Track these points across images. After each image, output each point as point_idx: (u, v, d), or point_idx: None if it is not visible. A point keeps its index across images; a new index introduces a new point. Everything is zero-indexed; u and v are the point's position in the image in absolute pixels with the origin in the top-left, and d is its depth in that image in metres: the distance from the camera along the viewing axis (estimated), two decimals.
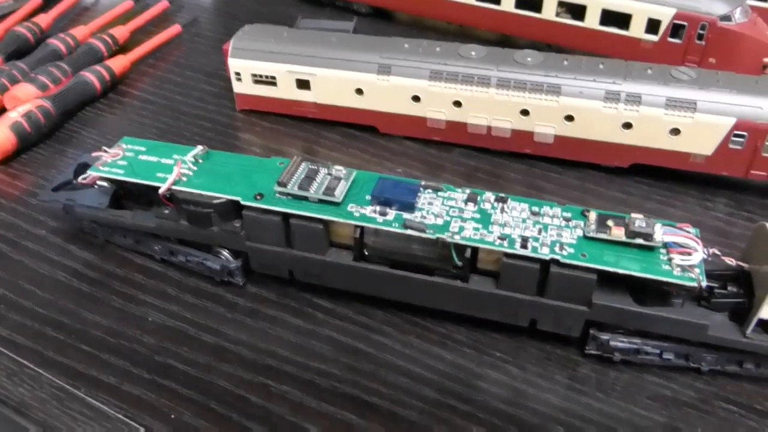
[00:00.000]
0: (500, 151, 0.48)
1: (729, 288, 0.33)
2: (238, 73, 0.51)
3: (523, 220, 0.35)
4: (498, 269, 0.34)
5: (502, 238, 0.34)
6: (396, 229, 0.34)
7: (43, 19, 0.62)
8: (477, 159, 0.48)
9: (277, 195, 0.36)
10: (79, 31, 0.59)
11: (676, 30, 0.51)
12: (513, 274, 0.34)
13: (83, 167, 0.40)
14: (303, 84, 0.50)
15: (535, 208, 0.35)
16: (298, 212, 0.35)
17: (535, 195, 0.45)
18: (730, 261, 0.34)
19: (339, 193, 0.35)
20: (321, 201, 0.35)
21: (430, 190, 0.36)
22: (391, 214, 0.35)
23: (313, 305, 0.38)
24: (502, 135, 0.47)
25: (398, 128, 0.50)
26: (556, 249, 0.33)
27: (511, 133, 0.47)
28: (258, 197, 0.36)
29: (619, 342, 0.34)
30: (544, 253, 0.33)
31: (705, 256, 0.33)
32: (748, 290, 0.33)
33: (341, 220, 0.35)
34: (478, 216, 0.35)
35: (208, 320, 0.38)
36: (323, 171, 0.37)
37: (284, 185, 0.36)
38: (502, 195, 0.36)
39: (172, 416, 0.33)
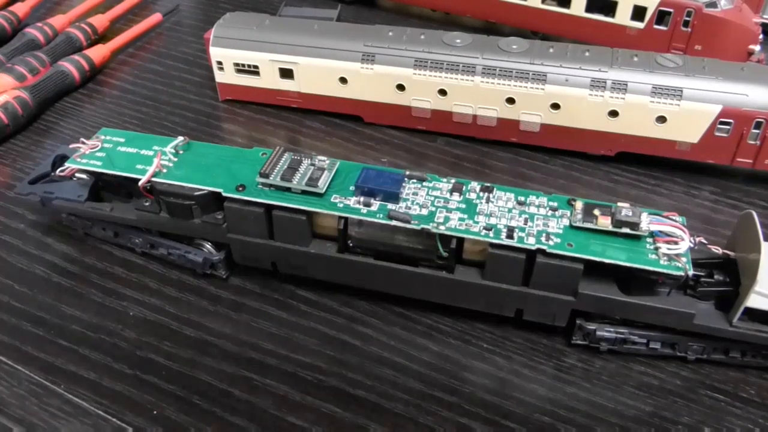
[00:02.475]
0: (486, 140, 0.48)
1: (715, 276, 0.33)
2: (219, 63, 0.50)
3: (509, 210, 0.34)
4: (484, 260, 0.34)
5: (488, 228, 0.33)
6: (380, 219, 0.34)
7: (20, 8, 0.60)
8: (462, 148, 0.48)
9: (260, 186, 0.35)
10: (57, 20, 0.58)
11: (661, 17, 0.51)
12: (499, 265, 0.33)
13: (61, 159, 0.40)
14: (286, 73, 0.49)
15: (521, 198, 0.35)
16: (281, 203, 0.35)
17: (521, 184, 0.45)
18: (717, 249, 0.34)
19: (322, 183, 0.35)
20: (304, 192, 0.35)
21: (414, 180, 0.36)
22: (376, 204, 0.35)
23: (296, 297, 0.38)
24: (488, 124, 0.47)
25: (383, 117, 0.49)
26: (543, 239, 0.33)
27: (496, 122, 0.47)
28: (240, 188, 0.35)
29: (606, 332, 0.34)
30: (530, 243, 0.32)
31: (691, 245, 0.32)
32: (735, 279, 0.33)
33: (324, 211, 0.34)
34: (463, 206, 0.35)
35: (191, 314, 0.37)
36: (306, 161, 0.36)
37: (266, 176, 0.35)
38: (488, 184, 0.36)
39: (155, 412, 0.33)
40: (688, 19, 0.50)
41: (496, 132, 0.47)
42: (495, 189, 0.36)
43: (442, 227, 0.33)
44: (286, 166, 0.36)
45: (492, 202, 0.35)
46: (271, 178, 0.35)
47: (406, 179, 0.36)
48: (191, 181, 0.36)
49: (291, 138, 0.49)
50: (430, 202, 0.35)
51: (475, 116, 0.47)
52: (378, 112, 0.49)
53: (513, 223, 0.34)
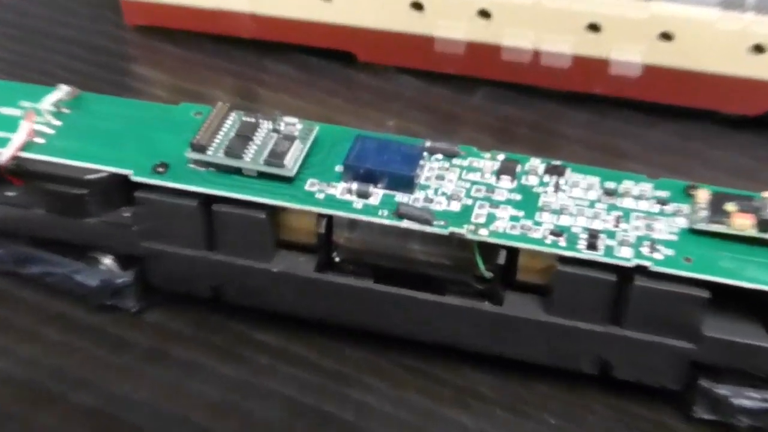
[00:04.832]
0: (554, 92, 0.48)
1: None
2: None
3: (591, 204, 0.35)
4: (549, 283, 0.34)
5: (557, 233, 0.33)
6: (384, 219, 0.34)
7: None
8: (516, 104, 0.48)
9: (191, 166, 0.36)
10: None
11: None
12: (574, 292, 0.34)
13: None
14: None
15: (611, 184, 0.35)
16: (226, 193, 0.35)
17: (611, 162, 0.45)
18: None
19: (291, 161, 0.35)
20: (263, 175, 0.35)
21: (439, 156, 0.36)
22: (377, 195, 0.35)
23: (251, 343, 0.38)
24: (558, 65, 0.47)
25: (388, 55, 0.50)
26: (644, 250, 0.33)
27: (571, 62, 0.47)
28: (160, 169, 0.36)
29: (747, 399, 0.34)
30: (625, 257, 0.33)
31: None
32: None
33: (295, 205, 0.35)
34: (517, 197, 0.35)
35: (82, 369, 0.37)
36: (266, 125, 0.37)
37: (202, 149, 0.35)
38: (558, 163, 0.36)
39: None
40: None
41: (571, 79, 0.48)
42: (568, 170, 0.36)
43: (482, 231, 0.34)
44: (233, 134, 0.36)
45: (563, 190, 0.35)
46: (209, 152, 0.35)
47: (425, 154, 0.36)
48: (83, 159, 0.36)
49: (242, 89, 0.50)
50: (465, 192, 0.35)
51: (536, 53, 0.47)
52: (381, 47, 0.49)
53: (597, 225, 0.34)
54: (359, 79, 0.50)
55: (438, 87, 0.49)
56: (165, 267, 0.38)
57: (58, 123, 0.38)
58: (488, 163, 0.36)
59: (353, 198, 0.35)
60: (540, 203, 0.35)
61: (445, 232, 0.34)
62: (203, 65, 0.51)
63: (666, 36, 0.45)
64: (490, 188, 0.35)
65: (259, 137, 0.36)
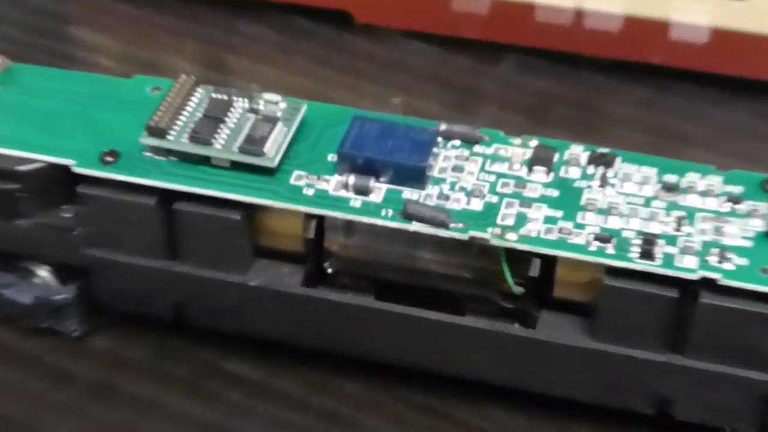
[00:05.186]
0: (600, 62, 0.49)
1: None
2: None
3: (646, 202, 0.35)
4: (594, 301, 0.34)
5: (604, 238, 0.34)
6: (389, 221, 0.34)
7: None
8: (553, 77, 0.49)
9: (148, 154, 0.36)
10: None
11: None
12: (625, 311, 0.34)
13: None
14: None
15: (671, 177, 0.35)
16: (191, 188, 0.35)
17: (670, 149, 0.45)
18: None
19: (272, 148, 0.35)
20: (237, 165, 0.36)
21: (457, 142, 0.36)
22: (379, 190, 0.35)
23: (223, 376, 0.39)
24: (605, 28, 0.48)
25: (392, 15, 0.50)
26: (712, 259, 0.33)
27: (622, 24, 0.47)
28: (108, 158, 0.36)
29: None
30: (688, 268, 0.33)
31: None
32: None
33: (278, 203, 0.35)
34: (554, 193, 0.35)
35: (13, 407, 0.37)
36: (240, 104, 0.37)
37: (161, 133, 0.36)
38: (604, 150, 0.36)
39: None
40: None
41: (622, 46, 0.48)
42: (618, 159, 0.36)
43: (511, 236, 0.34)
44: (200, 115, 0.36)
45: (612, 185, 0.35)
46: (170, 137, 0.36)
47: (439, 140, 0.36)
48: (13, 146, 0.37)
49: (209, 57, 0.50)
50: (489, 187, 0.35)
51: (578, 13, 0.47)
52: (383, 5, 0.50)
53: (653, 229, 0.34)
54: (357, 45, 0.50)
55: (456, 55, 0.50)
56: (115, 281, 0.38)
57: None
58: (518, 150, 0.36)
59: (350, 194, 0.35)
60: (583, 201, 0.35)
61: (464, 236, 0.34)
62: (161, 27, 0.51)
63: None
64: (521, 182, 0.35)
65: (232, 119, 0.36)
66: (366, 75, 0.49)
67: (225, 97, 0.37)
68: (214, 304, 0.37)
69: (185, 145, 0.35)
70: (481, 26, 0.49)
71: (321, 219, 0.35)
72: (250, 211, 0.36)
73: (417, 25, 0.50)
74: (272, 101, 0.37)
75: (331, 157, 0.36)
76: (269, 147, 0.35)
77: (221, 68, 0.50)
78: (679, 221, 0.34)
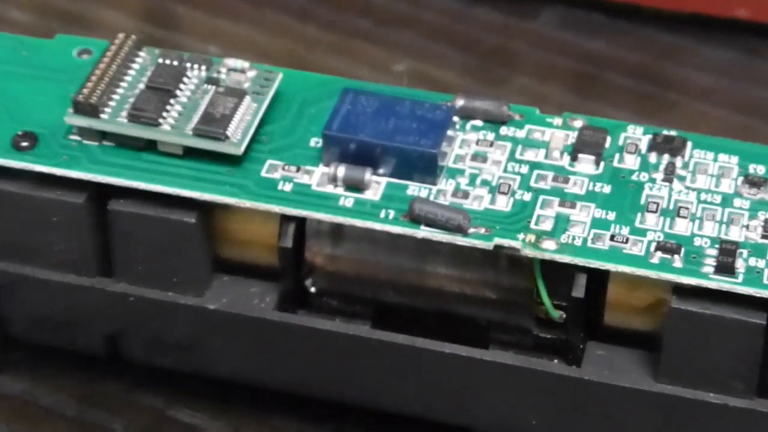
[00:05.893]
0: (669, 15, 0.49)
1: None
2: None
3: (725, 200, 0.35)
4: (658, 329, 0.35)
5: (669, 248, 0.34)
6: (390, 224, 0.35)
7: None
8: (604, 36, 0.49)
9: (75, 137, 0.37)
10: None
11: None
12: (697, 343, 0.34)
13: None
14: None
15: (758, 167, 0.36)
16: (131, 183, 0.36)
17: (759, 132, 0.46)
18: None
19: (238, 130, 0.36)
20: (192, 152, 0.36)
21: (478, 122, 0.37)
22: (378, 185, 0.36)
23: (172, 427, 0.39)
24: None
25: None
26: None
27: None
28: (23, 143, 0.36)
29: None
30: None
31: None
32: None
33: (245, 202, 0.35)
34: (605, 189, 0.36)
35: None
36: (196, 72, 0.37)
37: (93, 111, 0.36)
38: (671, 133, 0.37)
39: None
40: None
41: None
42: (689, 144, 0.37)
43: (548, 244, 0.34)
44: (143, 87, 0.37)
45: (681, 178, 0.36)
46: (104, 116, 0.36)
47: (456, 119, 0.37)
48: None
49: (154, 8, 0.51)
50: (520, 180, 0.36)
51: None
52: None
53: (734, 235, 0.34)
54: None
55: (479, 7, 0.50)
56: (32, 304, 0.38)
57: None
58: (558, 133, 0.37)
59: (339, 190, 0.35)
60: (642, 199, 0.35)
61: (488, 245, 0.34)
62: None
63: None
64: (562, 174, 0.36)
65: (185, 92, 0.37)
66: (360, 33, 0.50)
67: (175, 63, 0.37)
68: (160, 334, 0.38)
69: (124, 126, 0.36)
70: None
71: (301, 222, 0.36)
72: (208, 212, 0.36)
73: None
74: (237, 69, 0.37)
75: (315, 142, 0.36)
76: (233, 128, 0.36)
77: (170, 24, 0.50)
78: (767, 226, 0.35)
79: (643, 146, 0.37)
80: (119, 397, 0.40)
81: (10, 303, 0.39)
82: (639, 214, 0.35)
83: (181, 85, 0.37)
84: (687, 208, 0.35)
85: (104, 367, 0.40)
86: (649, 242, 0.34)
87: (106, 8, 0.51)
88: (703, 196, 0.36)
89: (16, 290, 0.38)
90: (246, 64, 0.38)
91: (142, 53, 0.38)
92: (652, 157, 0.37)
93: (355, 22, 0.51)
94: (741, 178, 0.36)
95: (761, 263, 0.34)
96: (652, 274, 0.34)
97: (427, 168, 0.36)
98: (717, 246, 0.34)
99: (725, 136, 0.37)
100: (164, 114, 0.36)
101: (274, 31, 0.50)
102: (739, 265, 0.34)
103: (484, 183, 0.36)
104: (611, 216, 0.35)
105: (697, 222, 0.35)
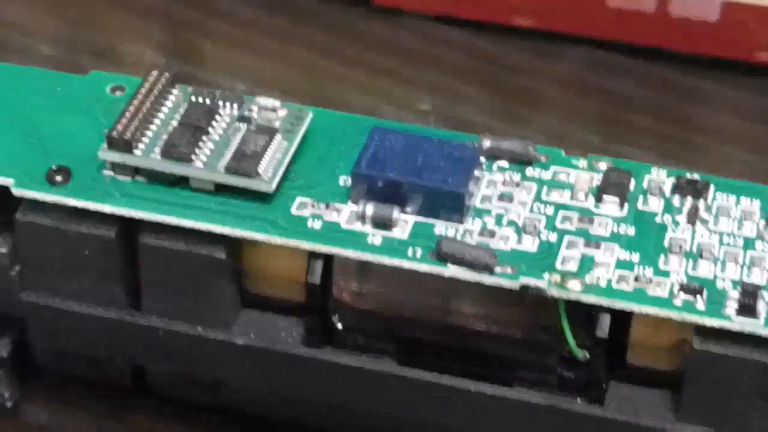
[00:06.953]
0: (693, 58, 0.49)
1: None
2: None
3: (748, 244, 0.36)
4: (681, 369, 0.35)
5: (692, 289, 0.34)
6: (417, 262, 0.35)
7: None
8: (630, 78, 0.49)
9: (107, 172, 0.37)
10: None
11: None
12: (721, 384, 0.34)
13: None
14: None
15: None
16: (162, 217, 0.36)
17: None
18: None
19: (269, 168, 0.36)
20: (223, 188, 0.36)
21: (504, 163, 0.37)
22: (405, 223, 0.36)
23: None
24: (698, 16, 0.48)
25: None
26: None
27: (719, 13, 0.48)
28: (57, 177, 0.37)
29: None
30: None
31: None
32: None
33: (274, 238, 0.36)
34: (629, 231, 0.36)
35: None
36: (228, 110, 0.38)
37: (126, 146, 0.36)
38: (695, 176, 0.37)
39: None
40: None
41: (718, 39, 0.49)
42: (713, 187, 0.37)
43: (573, 284, 0.34)
44: (176, 124, 0.37)
45: (704, 221, 0.36)
46: (137, 152, 0.36)
47: (482, 160, 0.37)
48: None
49: (183, 46, 0.51)
50: (546, 221, 0.36)
51: None
52: None
53: (757, 278, 0.35)
54: (374, 30, 0.51)
55: (504, 48, 0.50)
56: (60, 335, 0.38)
57: None
58: (584, 174, 0.37)
59: (367, 228, 0.36)
60: (666, 241, 0.36)
61: (513, 284, 0.34)
62: (123, 6, 0.52)
63: None
64: (587, 216, 0.36)
65: (217, 129, 0.37)
66: (386, 71, 0.50)
67: (208, 101, 0.38)
68: (186, 367, 0.38)
69: (156, 161, 0.36)
70: (538, 11, 0.50)
71: (329, 259, 0.36)
72: (238, 247, 0.36)
73: (453, 7, 0.51)
74: (268, 107, 0.37)
75: (344, 180, 0.37)
76: (265, 166, 0.36)
77: (196, 59, 0.50)
78: None
79: (667, 189, 0.37)
80: (144, 428, 0.40)
81: (39, 334, 0.39)
82: (662, 256, 0.35)
83: (213, 123, 0.37)
84: (710, 251, 0.35)
85: (130, 399, 0.40)
86: (673, 284, 0.35)
87: (133, 43, 0.51)
88: (725, 239, 0.36)
89: (45, 322, 0.39)
90: (277, 103, 0.38)
91: (174, 90, 0.38)
92: (676, 200, 0.37)
93: (382, 61, 0.51)
94: (763, 222, 0.36)
95: None
96: (676, 315, 0.34)
97: (454, 207, 0.36)
98: (739, 288, 0.34)
99: (748, 179, 0.38)
100: (197, 150, 0.36)
101: (300, 68, 0.50)
102: (761, 307, 0.34)
103: (511, 223, 0.36)
104: (635, 257, 0.35)
105: (720, 264, 0.35)
